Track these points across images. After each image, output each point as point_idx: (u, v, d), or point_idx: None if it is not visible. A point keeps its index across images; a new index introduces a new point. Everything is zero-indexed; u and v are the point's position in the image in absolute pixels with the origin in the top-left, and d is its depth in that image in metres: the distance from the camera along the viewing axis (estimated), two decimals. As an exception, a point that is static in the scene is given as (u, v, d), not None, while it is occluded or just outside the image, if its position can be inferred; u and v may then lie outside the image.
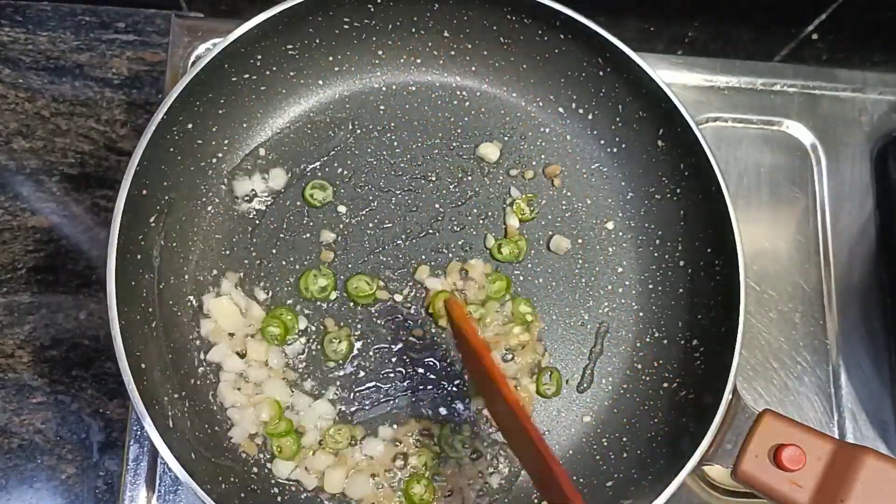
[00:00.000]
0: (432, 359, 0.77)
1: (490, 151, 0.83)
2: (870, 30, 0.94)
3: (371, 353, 0.77)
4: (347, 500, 0.73)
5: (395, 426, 0.75)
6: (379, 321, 0.78)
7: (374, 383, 0.76)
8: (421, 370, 0.77)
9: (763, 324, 0.86)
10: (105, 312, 0.64)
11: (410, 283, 0.79)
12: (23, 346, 0.80)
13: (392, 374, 0.77)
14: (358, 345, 0.77)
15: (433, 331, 0.78)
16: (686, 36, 0.96)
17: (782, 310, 0.87)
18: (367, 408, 0.75)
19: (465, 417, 0.76)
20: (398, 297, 0.78)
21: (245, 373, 0.74)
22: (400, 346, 0.77)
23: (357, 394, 0.76)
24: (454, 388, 0.77)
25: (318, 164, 0.81)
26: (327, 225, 0.80)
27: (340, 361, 0.76)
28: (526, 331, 0.78)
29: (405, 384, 0.77)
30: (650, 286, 0.81)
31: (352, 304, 0.78)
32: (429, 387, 0.77)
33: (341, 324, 0.77)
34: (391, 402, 0.76)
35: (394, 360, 0.77)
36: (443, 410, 0.76)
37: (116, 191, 0.66)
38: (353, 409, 0.75)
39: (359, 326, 0.77)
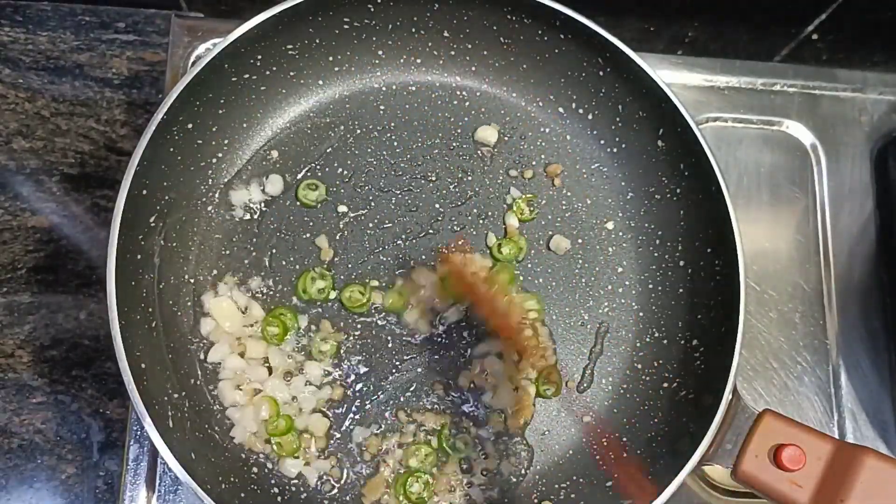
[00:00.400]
0: (431, 356, 0.77)
1: (488, 134, 0.83)
2: (870, 30, 0.94)
3: (370, 352, 0.77)
4: (349, 497, 0.73)
5: (393, 424, 0.75)
6: (380, 322, 0.78)
7: (373, 381, 0.76)
8: (420, 369, 0.77)
9: (763, 324, 0.86)
10: (105, 312, 0.64)
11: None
12: (23, 345, 0.80)
13: (391, 374, 0.77)
14: (357, 344, 0.77)
15: (432, 330, 0.78)
16: (686, 36, 0.96)
17: (782, 310, 0.87)
18: (367, 406, 0.75)
19: (467, 415, 0.76)
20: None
21: (245, 372, 0.74)
22: (399, 344, 0.77)
23: (357, 392, 0.76)
24: (454, 386, 0.77)
25: (317, 164, 0.81)
26: (327, 225, 0.80)
27: (328, 361, 0.76)
28: (535, 335, 0.78)
29: (404, 383, 0.77)
30: (650, 286, 0.81)
31: (352, 304, 0.78)
32: (428, 385, 0.77)
33: (341, 324, 0.77)
34: (391, 402, 0.76)
35: (394, 359, 0.77)
36: (443, 408, 0.76)
37: (116, 191, 0.66)
38: (355, 406, 0.75)
39: (358, 326, 0.77)
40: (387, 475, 0.73)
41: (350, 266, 0.79)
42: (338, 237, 0.80)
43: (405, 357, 0.77)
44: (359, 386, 0.76)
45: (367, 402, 0.76)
